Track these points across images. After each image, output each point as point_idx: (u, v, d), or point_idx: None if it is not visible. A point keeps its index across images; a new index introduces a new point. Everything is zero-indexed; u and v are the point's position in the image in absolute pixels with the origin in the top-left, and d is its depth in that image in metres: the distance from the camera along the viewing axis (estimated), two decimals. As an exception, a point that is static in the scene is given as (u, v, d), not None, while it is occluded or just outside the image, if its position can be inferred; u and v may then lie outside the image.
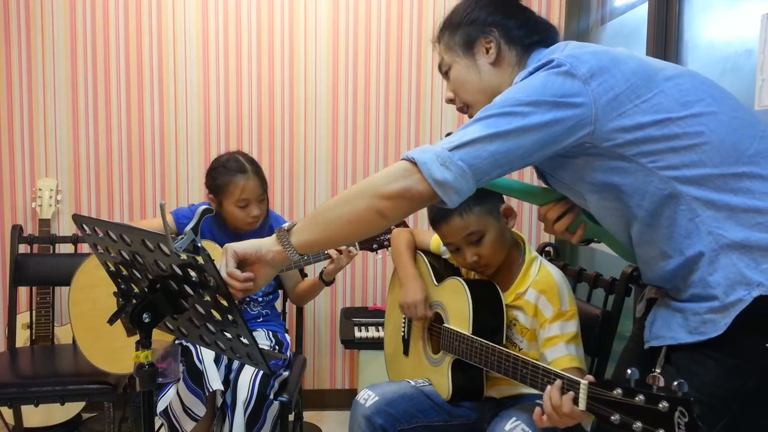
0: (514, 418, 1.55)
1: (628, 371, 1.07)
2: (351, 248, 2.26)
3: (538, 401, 1.41)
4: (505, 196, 1.78)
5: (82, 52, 2.92)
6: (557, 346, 1.60)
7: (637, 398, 1.05)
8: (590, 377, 1.24)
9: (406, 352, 2.00)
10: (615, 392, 1.10)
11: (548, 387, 1.33)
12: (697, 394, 1.16)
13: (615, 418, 1.09)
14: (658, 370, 1.24)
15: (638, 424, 1.05)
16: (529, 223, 3.11)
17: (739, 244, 1.12)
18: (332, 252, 2.24)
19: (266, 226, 2.38)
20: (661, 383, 1.03)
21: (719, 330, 1.14)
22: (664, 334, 1.25)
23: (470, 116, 1.37)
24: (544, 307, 1.65)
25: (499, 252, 1.73)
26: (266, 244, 1.25)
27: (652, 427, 1.02)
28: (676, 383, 1.00)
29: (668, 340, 1.23)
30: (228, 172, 2.24)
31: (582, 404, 1.22)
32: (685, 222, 1.15)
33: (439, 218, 1.74)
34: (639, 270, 1.35)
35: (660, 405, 1.01)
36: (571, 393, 1.28)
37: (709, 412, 1.15)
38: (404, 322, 2.01)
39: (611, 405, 1.11)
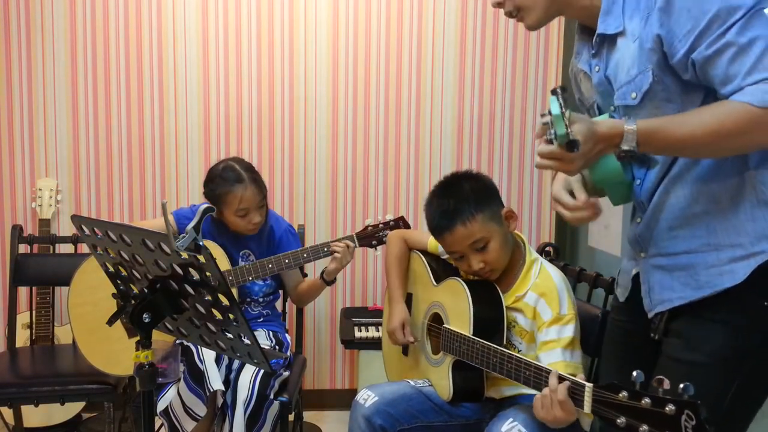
0: (511, 419, 1.55)
1: (634, 374, 1.07)
2: (348, 242, 2.27)
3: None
4: (505, 196, 1.78)
5: (82, 52, 2.92)
6: (553, 351, 1.60)
7: (643, 401, 1.05)
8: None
9: (405, 351, 2.00)
10: (621, 395, 1.10)
11: (551, 371, 1.36)
12: (708, 359, 1.20)
13: (621, 421, 1.09)
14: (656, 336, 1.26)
15: (644, 427, 1.05)
16: (529, 223, 3.11)
17: None
18: (336, 248, 2.24)
19: (266, 227, 2.38)
20: (667, 386, 1.03)
21: (738, 279, 1.17)
22: (669, 296, 1.26)
23: (520, 20, 1.33)
24: (542, 311, 1.65)
25: (504, 256, 1.72)
26: (604, 120, 1.20)
27: (659, 430, 1.02)
28: (681, 386, 1.00)
29: (676, 301, 1.25)
30: (225, 182, 2.21)
31: (587, 407, 1.23)
32: (735, 167, 1.19)
33: (441, 228, 1.72)
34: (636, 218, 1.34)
35: (667, 408, 1.01)
36: (567, 382, 1.30)
37: (723, 376, 1.19)
38: (404, 322, 2.01)
39: (617, 408, 1.11)
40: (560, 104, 1.10)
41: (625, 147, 1.15)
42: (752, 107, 1.08)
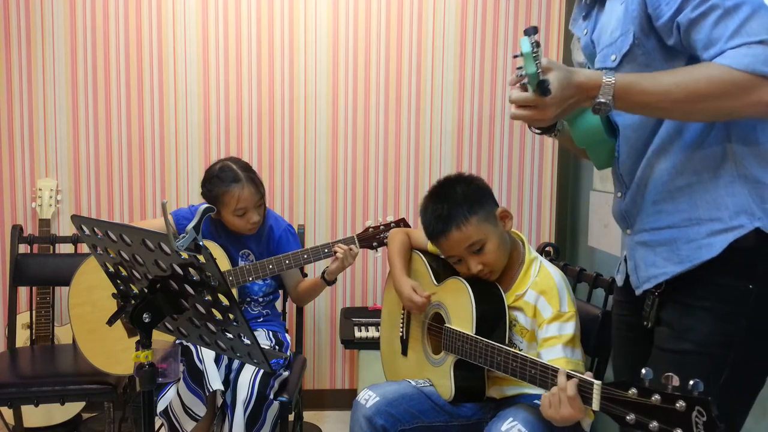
0: (510, 419, 1.55)
1: (643, 371, 1.07)
2: (353, 246, 2.27)
3: (536, 402, 1.42)
4: (502, 194, 1.78)
5: (82, 52, 2.92)
6: (554, 348, 1.60)
7: (653, 398, 1.05)
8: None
9: (404, 352, 1.99)
10: (630, 392, 1.10)
11: (559, 369, 1.36)
12: (696, 348, 1.20)
13: (630, 418, 1.09)
14: (650, 324, 1.27)
15: (654, 424, 1.05)
16: (529, 223, 3.11)
17: (753, 179, 1.17)
18: (338, 250, 2.24)
19: (266, 227, 2.38)
20: (676, 382, 1.02)
21: (714, 252, 1.18)
22: (654, 273, 1.27)
23: None
24: (543, 308, 1.65)
25: (502, 256, 1.72)
26: (583, 70, 1.19)
27: (669, 427, 1.02)
28: (692, 382, 1.00)
29: (660, 277, 1.26)
30: (222, 182, 2.21)
31: (596, 405, 1.22)
32: (717, 141, 1.19)
33: (437, 233, 1.73)
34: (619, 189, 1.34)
35: (677, 404, 1.01)
36: (575, 379, 1.29)
37: (712, 363, 1.19)
38: (402, 323, 2.01)
39: (626, 405, 1.11)
40: (531, 44, 1.09)
41: (601, 99, 1.14)
42: (731, 69, 1.08)
